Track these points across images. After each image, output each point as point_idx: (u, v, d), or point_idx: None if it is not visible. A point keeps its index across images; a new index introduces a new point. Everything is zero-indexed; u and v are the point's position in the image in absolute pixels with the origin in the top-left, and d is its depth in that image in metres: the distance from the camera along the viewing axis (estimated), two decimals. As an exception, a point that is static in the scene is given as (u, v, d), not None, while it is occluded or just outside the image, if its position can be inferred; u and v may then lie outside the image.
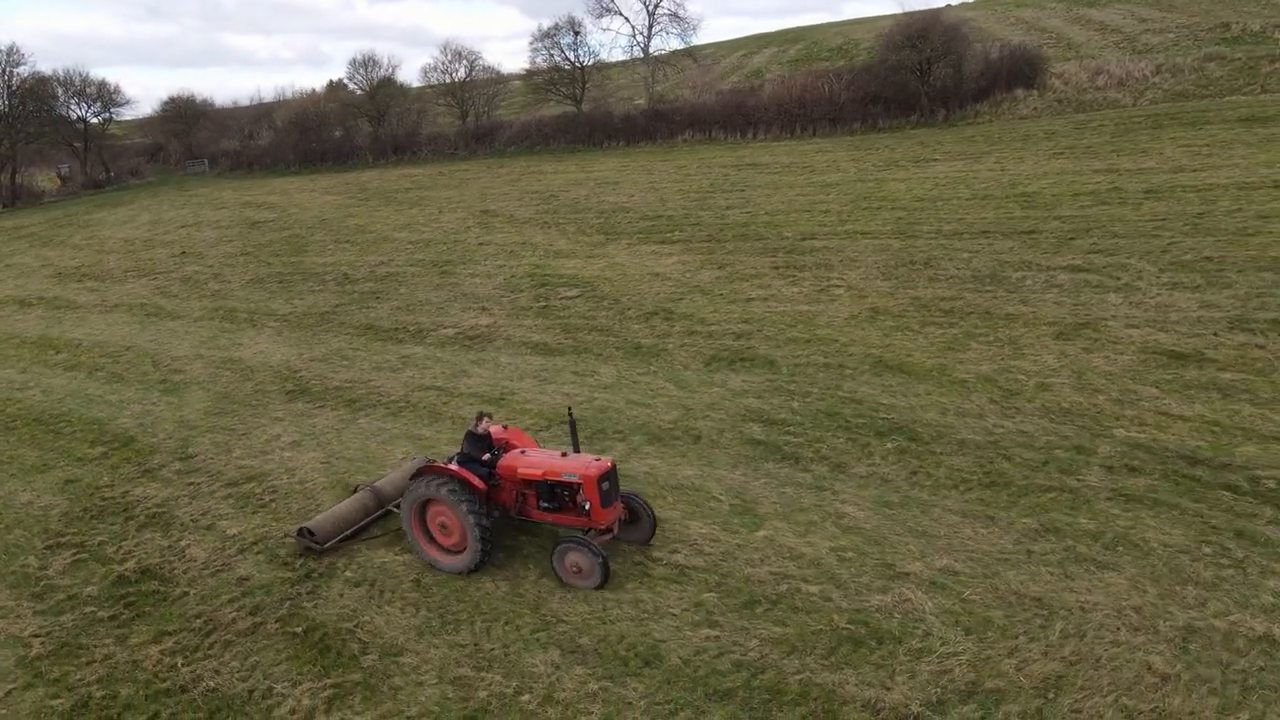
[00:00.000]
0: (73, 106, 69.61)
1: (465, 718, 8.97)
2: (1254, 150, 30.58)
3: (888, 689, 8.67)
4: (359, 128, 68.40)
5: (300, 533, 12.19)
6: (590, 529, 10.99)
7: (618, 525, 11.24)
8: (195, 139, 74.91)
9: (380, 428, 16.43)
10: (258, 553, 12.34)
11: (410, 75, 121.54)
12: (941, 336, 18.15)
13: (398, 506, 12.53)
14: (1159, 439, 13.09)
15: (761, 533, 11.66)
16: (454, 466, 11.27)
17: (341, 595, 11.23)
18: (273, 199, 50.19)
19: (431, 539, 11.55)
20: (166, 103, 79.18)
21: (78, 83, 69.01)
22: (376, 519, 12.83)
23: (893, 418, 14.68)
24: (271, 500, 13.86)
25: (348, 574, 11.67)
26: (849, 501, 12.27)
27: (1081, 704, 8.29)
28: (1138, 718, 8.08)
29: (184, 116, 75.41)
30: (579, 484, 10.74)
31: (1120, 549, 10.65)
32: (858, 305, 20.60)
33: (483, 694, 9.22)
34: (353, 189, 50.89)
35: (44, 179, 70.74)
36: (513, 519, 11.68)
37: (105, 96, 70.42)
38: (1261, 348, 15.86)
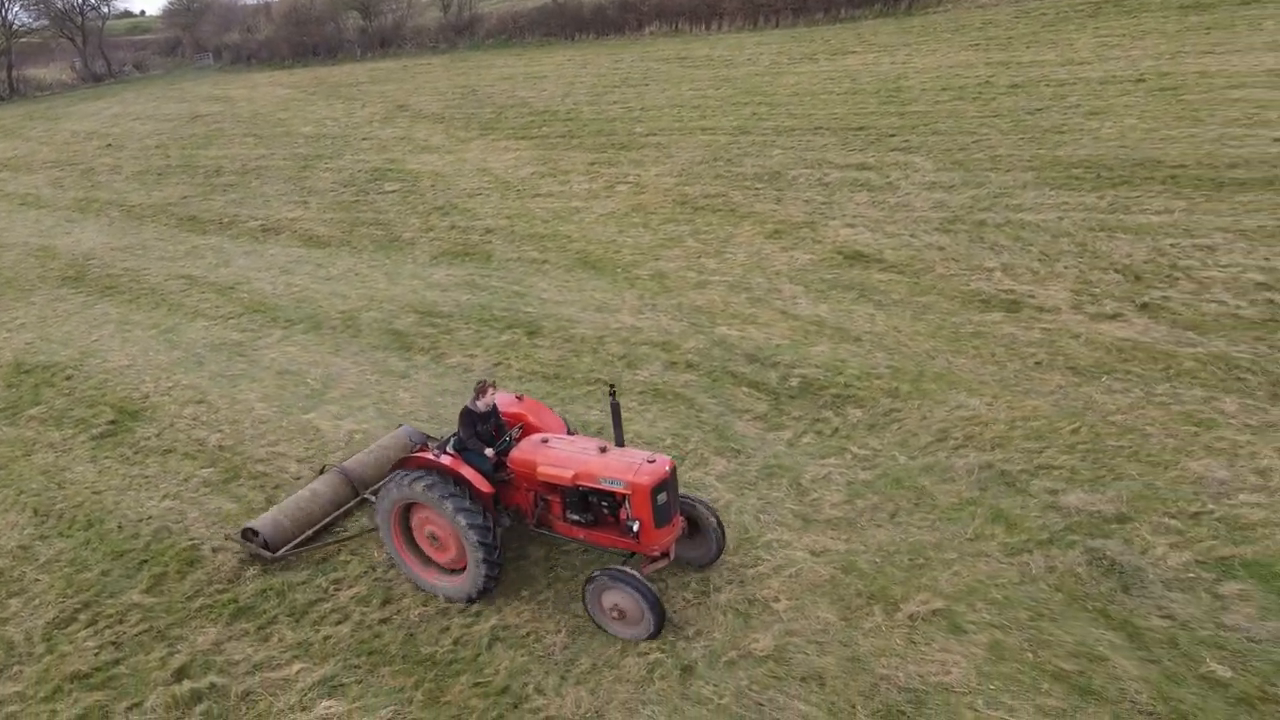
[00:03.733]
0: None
1: None
2: (1164, 40, 28.42)
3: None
4: (349, 21, 68.33)
5: (245, 535, 9.37)
6: (635, 554, 8.08)
7: (673, 546, 8.12)
8: (201, 32, 76.02)
9: (105, 313, 17.53)
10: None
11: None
12: (669, 234, 18.11)
13: (375, 494, 9.83)
14: (746, 338, 13.16)
15: (310, 415, 12.38)
16: (446, 458, 8.16)
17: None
18: (235, 93, 51.19)
19: (419, 553, 8.67)
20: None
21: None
22: (348, 512, 9.99)
23: (531, 312, 15.02)
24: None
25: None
26: (409, 389, 12.85)
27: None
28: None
29: (190, 9, 76.38)
30: (626, 494, 7.64)
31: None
32: (625, 203, 20.55)
33: None
34: (313, 84, 51.44)
35: (60, 73, 73.10)
36: (530, 531, 8.60)
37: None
38: (942, 249, 15.46)
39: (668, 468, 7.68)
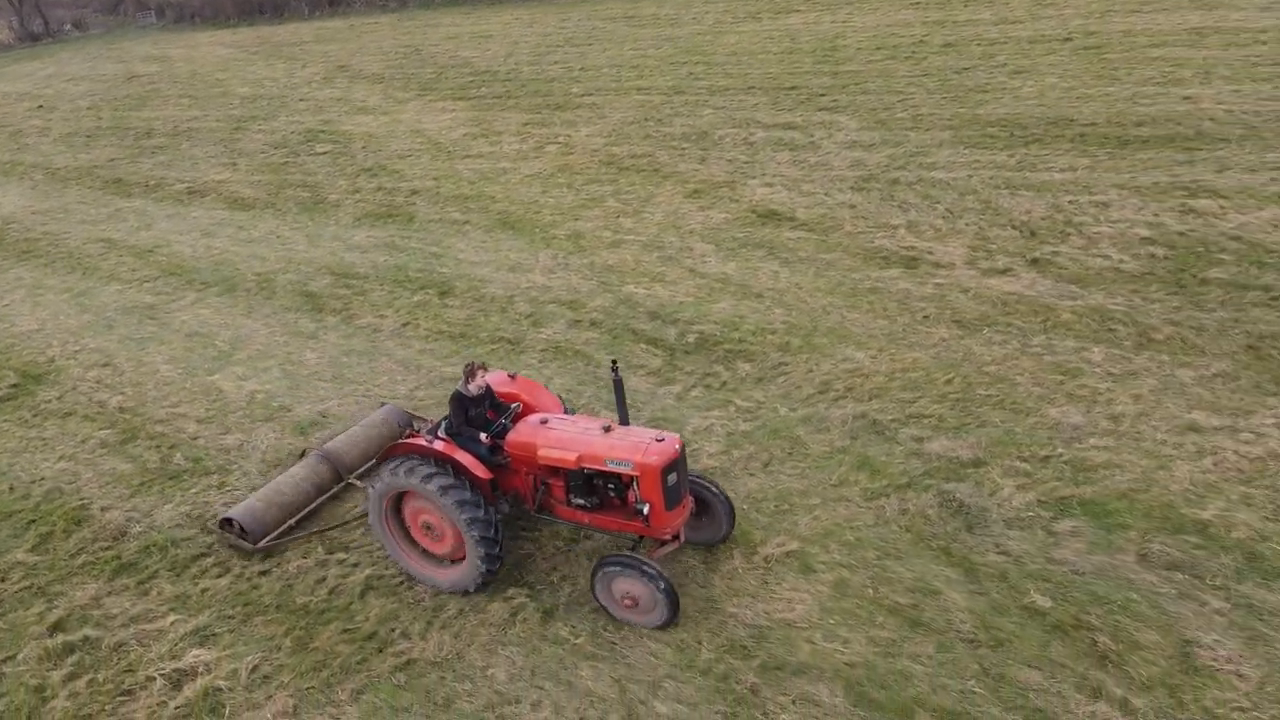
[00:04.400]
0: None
1: None
2: (1098, -1, 28.68)
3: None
4: (296, -23, 66.46)
5: (223, 525, 8.88)
6: (644, 538, 7.78)
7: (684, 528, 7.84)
8: (143, -11, 73.60)
9: (19, 278, 17.31)
10: None
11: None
12: (591, 194, 18.20)
13: (361, 479, 9.56)
14: (652, 296, 13.37)
15: (214, 376, 12.44)
16: (439, 444, 7.77)
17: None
18: (174, 53, 49.89)
19: (413, 543, 8.28)
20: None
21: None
22: (333, 497, 9.48)
23: (445, 272, 15.11)
24: None
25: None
26: (316, 350, 12.93)
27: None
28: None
29: (131, -36, 73.80)
30: (634, 476, 7.31)
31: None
32: (553, 163, 20.55)
33: None
34: (256, 44, 50.27)
35: (-3, 32, 70.61)
36: (530, 515, 8.20)
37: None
38: (853, 208, 15.72)
39: (677, 446, 7.29)
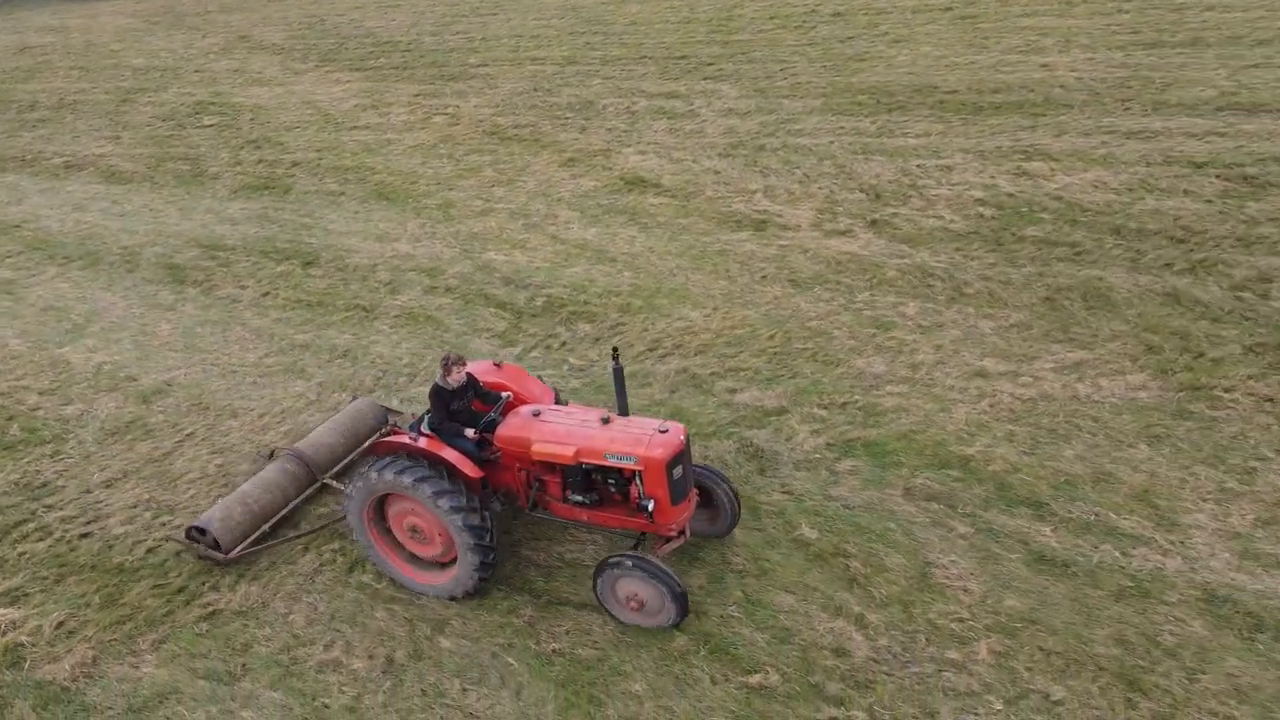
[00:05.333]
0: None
1: None
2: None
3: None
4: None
5: (189, 535, 8.32)
6: (647, 534, 7.43)
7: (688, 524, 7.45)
8: (42, -43, 70.48)
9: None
10: None
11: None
12: (470, 164, 18.34)
13: (337, 479, 9.07)
14: (510, 262, 13.67)
15: (64, 349, 12.43)
16: (424, 442, 7.30)
17: None
18: (73, 22, 48.06)
19: (399, 547, 7.82)
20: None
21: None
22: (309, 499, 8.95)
23: (313, 243, 15.20)
24: None
25: None
26: (171, 321, 12.98)
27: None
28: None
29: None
30: (637, 470, 6.92)
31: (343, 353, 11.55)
32: (437, 134, 20.60)
33: None
34: (159, 13, 48.63)
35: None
36: (523, 512, 7.82)
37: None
38: (717, 174, 16.17)
39: (681, 437, 6.93)
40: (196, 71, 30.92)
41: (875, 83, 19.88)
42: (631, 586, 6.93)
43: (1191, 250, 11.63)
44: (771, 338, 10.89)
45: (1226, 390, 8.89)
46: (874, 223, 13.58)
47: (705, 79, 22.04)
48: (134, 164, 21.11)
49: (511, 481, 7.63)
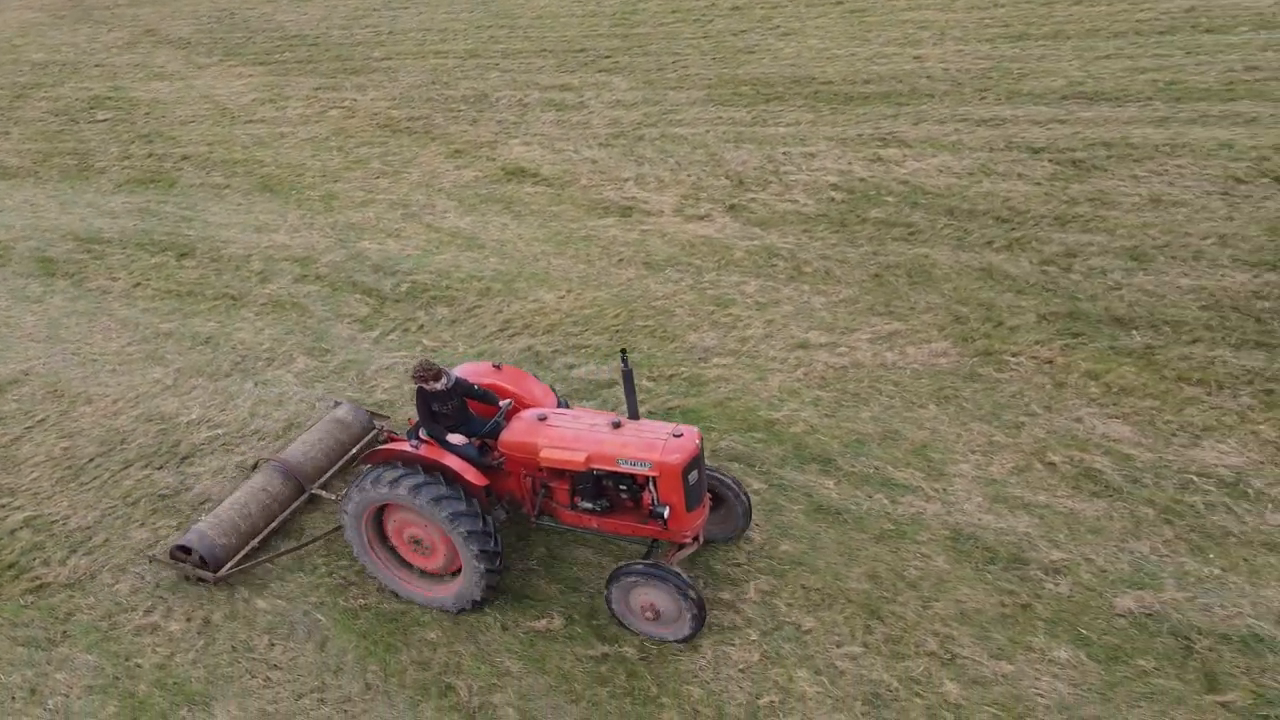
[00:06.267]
0: None
1: None
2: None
3: None
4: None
5: (174, 555, 7.95)
6: (659, 541, 7.25)
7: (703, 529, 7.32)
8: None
9: None
10: None
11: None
12: (358, 157, 18.57)
13: (326, 489, 8.72)
14: (382, 250, 14.01)
15: (-75, 342, 12.46)
16: (423, 449, 7.08)
17: None
18: (-25, 17, 46.83)
19: (398, 558, 7.61)
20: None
21: None
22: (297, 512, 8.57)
23: (191, 235, 15.35)
24: None
25: None
26: (37, 314, 13.08)
27: None
28: None
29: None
30: (651, 476, 6.76)
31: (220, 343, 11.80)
32: (331, 128, 20.77)
33: None
34: (67, 7, 47.29)
35: None
36: (530, 521, 7.62)
37: None
38: (595, 163, 16.69)
39: (696, 441, 6.77)
40: (97, 66, 30.50)
41: (758, 75, 20.56)
42: (649, 596, 6.77)
43: (1013, 229, 12.47)
44: (616, 316, 11.43)
45: (1014, 355, 9.68)
46: (732, 207, 14.21)
47: (600, 71, 22.51)
48: (20, 159, 20.90)
49: (515, 488, 7.40)
